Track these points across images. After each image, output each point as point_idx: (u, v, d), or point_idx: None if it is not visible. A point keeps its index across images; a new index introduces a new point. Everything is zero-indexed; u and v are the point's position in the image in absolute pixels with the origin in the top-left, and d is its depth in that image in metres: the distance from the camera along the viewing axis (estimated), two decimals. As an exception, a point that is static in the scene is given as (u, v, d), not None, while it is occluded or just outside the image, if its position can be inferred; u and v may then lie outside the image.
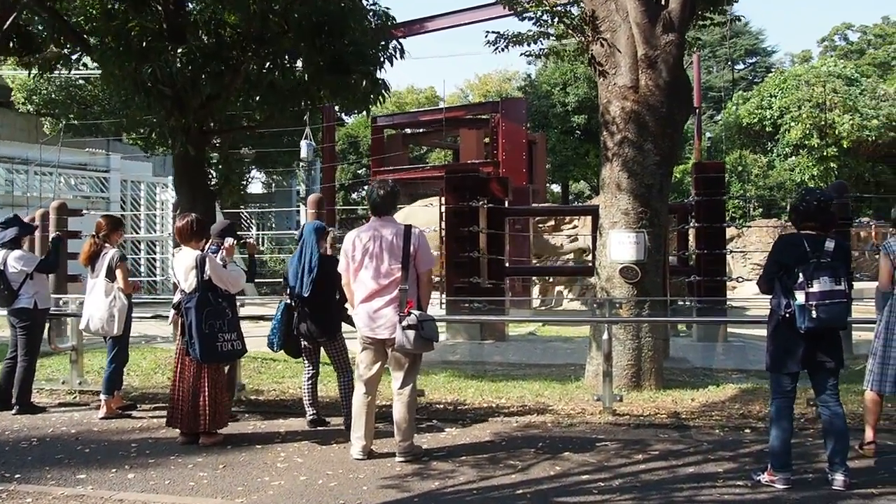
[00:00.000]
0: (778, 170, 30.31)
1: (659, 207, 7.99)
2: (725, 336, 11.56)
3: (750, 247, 23.43)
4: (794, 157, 30.01)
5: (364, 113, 9.44)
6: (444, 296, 12.50)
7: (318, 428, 6.36)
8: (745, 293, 19.23)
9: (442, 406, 7.14)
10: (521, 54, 9.30)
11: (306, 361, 6.44)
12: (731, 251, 12.92)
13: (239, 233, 6.56)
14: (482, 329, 11.98)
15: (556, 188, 38.08)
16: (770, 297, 4.99)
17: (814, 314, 4.62)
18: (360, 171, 35.23)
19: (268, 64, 7.63)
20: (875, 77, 32.99)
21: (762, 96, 31.60)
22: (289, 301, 6.24)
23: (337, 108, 26.31)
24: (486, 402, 7.39)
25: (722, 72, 47.21)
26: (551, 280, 17.25)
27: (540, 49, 9.08)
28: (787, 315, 4.77)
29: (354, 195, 37.75)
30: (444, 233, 12.30)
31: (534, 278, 17.30)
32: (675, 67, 7.83)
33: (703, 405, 7.22)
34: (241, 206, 29.80)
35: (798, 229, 4.97)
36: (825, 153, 28.73)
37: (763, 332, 11.63)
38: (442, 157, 36.05)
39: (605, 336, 6.51)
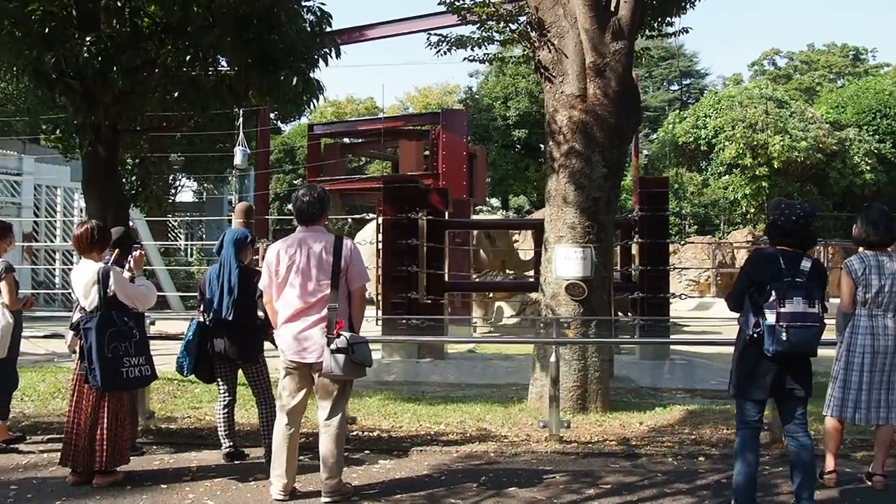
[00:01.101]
0: (713, 188, 30.66)
1: (606, 221, 7.62)
2: (669, 354, 11.29)
3: (686, 263, 23.52)
4: (727, 176, 30.40)
5: (301, 120, 8.94)
6: (380, 312, 11.95)
7: (235, 462, 5.70)
8: (682, 309, 19.20)
9: (376, 434, 6.56)
10: (465, 59, 8.80)
11: (222, 387, 5.80)
12: (674, 267, 12.69)
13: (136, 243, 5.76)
14: (420, 347, 11.44)
15: (495, 202, 37.88)
16: (738, 315, 4.60)
17: (784, 337, 4.23)
18: (296, 182, 34.35)
19: (188, 58, 6.98)
20: (802, 101, 33.75)
21: (697, 116, 31.99)
22: (202, 319, 5.60)
23: (273, 114, 25.66)
24: (424, 428, 6.85)
25: (658, 92, 47.91)
26: (491, 296, 16.81)
27: (484, 54, 8.66)
28: (756, 336, 4.37)
29: (290, 206, 36.79)
30: (381, 246, 11.75)
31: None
32: (623, 76, 7.48)
33: (652, 429, 6.84)
34: (170, 215, 28.71)
35: (774, 245, 4.58)
36: (757, 172, 29.15)
37: (707, 350, 11.53)
38: (381, 168, 35.47)
39: (552, 358, 6.04)
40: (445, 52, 8.69)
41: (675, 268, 12.59)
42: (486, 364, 11.08)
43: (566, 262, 7.46)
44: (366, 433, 6.56)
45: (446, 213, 12.08)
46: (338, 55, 7.76)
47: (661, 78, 48.23)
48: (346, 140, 27.67)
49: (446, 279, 12.18)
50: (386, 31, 21.15)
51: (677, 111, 34.87)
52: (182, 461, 5.79)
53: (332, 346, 4.53)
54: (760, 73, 48.33)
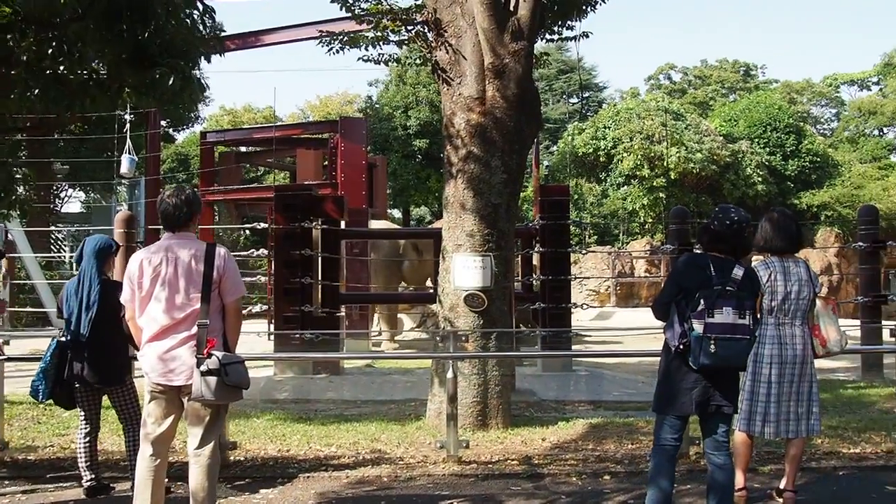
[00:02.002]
0: (612, 198, 31.20)
1: (506, 229, 7.35)
2: (571, 365, 11.13)
3: (586, 273, 23.74)
4: (626, 187, 31.01)
5: (195, 128, 8.24)
6: (272, 326, 11.35)
7: (98, 497, 5.10)
8: (584, 319, 19.27)
9: (260, 460, 6.05)
10: (359, 59, 8.38)
11: (82, 414, 5.18)
12: (575, 277, 12.59)
13: None
14: (314, 362, 10.91)
15: (396, 213, 37.49)
16: (664, 324, 4.33)
17: (712, 349, 3.98)
18: (189, 191, 33.01)
19: (50, 52, 6.30)
20: (696, 114, 34.87)
21: (597, 127, 32.54)
22: (62, 339, 4.99)
23: (164, 122, 24.51)
24: (314, 451, 6.38)
25: (558, 104, 48.66)
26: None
27: (379, 54, 8.27)
28: (682, 347, 4.11)
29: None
30: (273, 256, 11.16)
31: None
32: (523, 78, 7.24)
33: (555, 445, 6.58)
34: (53, 226, 27.06)
35: (706, 251, 4.36)
36: (654, 183, 29.83)
37: (610, 360, 11.44)
38: (281, 178, 34.53)
39: (449, 374, 5.67)
40: (337, 52, 8.29)
41: (576, 277, 12.48)
42: (384, 379, 10.65)
43: (465, 271, 7.13)
44: (249, 458, 6.04)
45: (343, 223, 11.58)
46: (221, 53, 7.23)
47: (560, 91, 49.00)
48: (243, 149, 26.75)
49: (342, 291, 11.69)
50: (283, 37, 20.43)
51: (577, 123, 35.41)
52: (37, 498, 5.15)
53: (203, 368, 4.03)
54: (656, 87, 49.75)
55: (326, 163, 23.85)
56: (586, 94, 49.87)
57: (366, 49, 8.19)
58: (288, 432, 7.04)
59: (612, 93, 50.58)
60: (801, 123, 36.12)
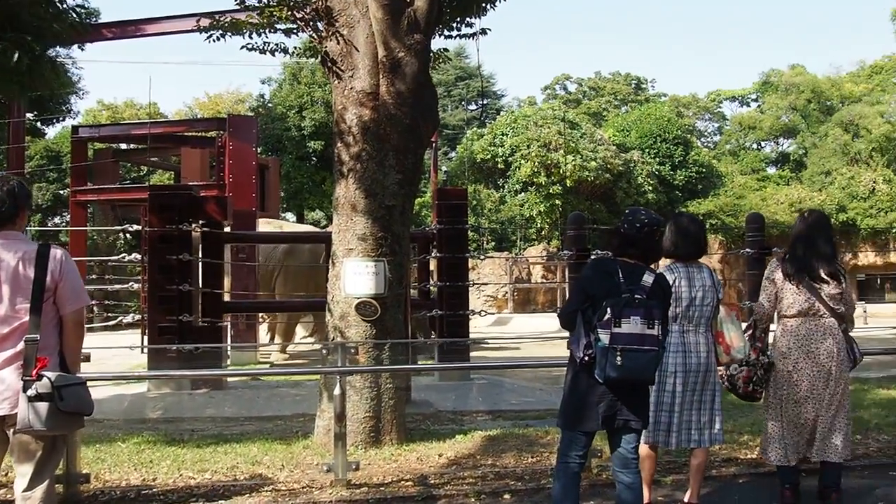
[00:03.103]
0: (509, 205, 31.25)
1: (401, 233, 6.85)
2: (469, 374, 10.72)
3: (484, 278, 23.55)
4: (523, 194, 31.12)
5: (64, 121, 7.37)
6: (146, 339, 10.49)
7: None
8: (482, 325, 19.00)
9: (119, 492, 5.32)
10: (242, 47, 7.74)
11: None
12: (474, 283, 12.23)
13: None
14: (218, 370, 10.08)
15: (291, 217, 36.43)
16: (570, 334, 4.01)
17: (618, 360, 3.67)
18: (62, 192, 30.95)
19: None
20: (590, 125, 35.47)
21: (495, 134, 32.59)
22: None
23: (31, 114, 22.76)
24: (185, 479, 5.69)
25: (456, 111, 48.65)
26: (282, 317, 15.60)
27: (264, 43, 7.63)
28: (587, 359, 3.80)
29: (57, 219, 33.13)
30: (146, 261, 10.30)
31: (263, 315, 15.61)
32: (420, 73, 6.77)
33: (452, 462, 6.13)
34: None
35: (615, 256, 4.05)
36: (551, 190, 30.05)
37: (506, 369, 11.10)
38: (166, 178, 32.94)
39: (336, 391, 5.10)
40: (218, 39, 7.62)
41: (474, 283, 12.12)
42: (271, 393, 9.95)
43: (356, 277, 6.60)
44: (106, 491, 5.30)
45: (225, 226, 10.81)
46: (84, 29, 6.45)
47: (459, 97, 49.04)
48: (122, 146, 25.27)
49: (226, 299, 10.93)
50: (165, 27, 19.04)
51: (476, 129, 35.39)
52: None
53: (31, 392, 3.35)
54: (553, 97, 50.49)
55: (214, 163, 22.81)
56: (485, 102, 50.12)
57: (249, 37, 7.55)
58: (156, 458, 6.31)
59: (511, 100, 51.10)
60: (689, 135, 37.35)
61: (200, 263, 10.20)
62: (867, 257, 33.03)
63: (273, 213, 22.52)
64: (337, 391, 5.05)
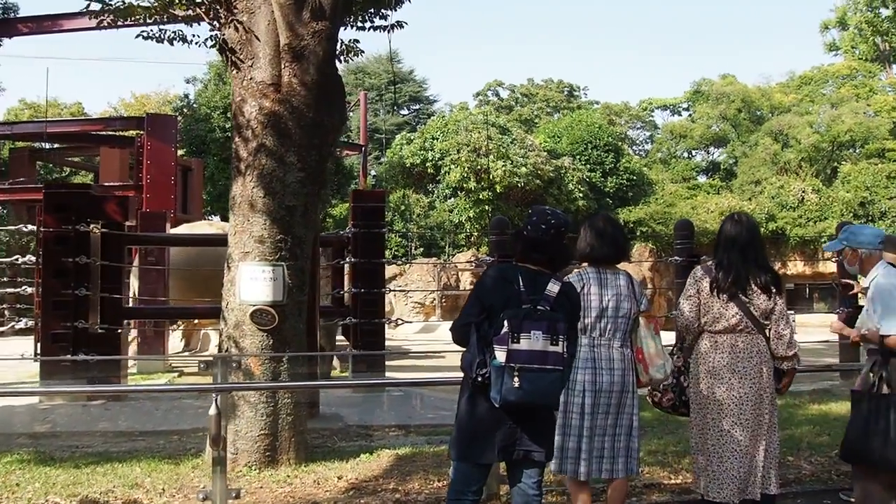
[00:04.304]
0: (438, 210, 30.94)
1: (303, 235, 6.39)
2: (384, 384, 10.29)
3: (412, 285, 23.14)
4: (453, 199, 30.86)
5: None
6: (38, 345, 9.79)
7: None
8: (409, 332, 18.56)
9: (-33, 523, 4.75)
10: (137, 36, 7.16)
11: None
12: (391, 290, 11.80)
13: None
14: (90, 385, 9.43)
15: (216, 219, 35.41)
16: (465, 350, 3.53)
17: (515, 382, 3.23)
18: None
19: None
20: (521, 131, 35.46)
21: (425, 138, 32.25)
22: None
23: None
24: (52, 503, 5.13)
25: (388, 115, 48.18)
26: (196, 323, 14.90)
27: (160, 30, 7.09)
28: (480, 379, 3.35)
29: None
30: (41, 264, 9.61)
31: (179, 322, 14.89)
32: (324, 63, 6.33)
33: (352, 486, 5.67)
34: None
35: (519, 262, 3.60)
36: (481, 196, 29.86)
37: (427, 375, 10.67)
38: (89, 179, 31.64)
39: (211, 410, 4.58)
40: (108, 24, 7.06)
41: (391, 290, 11.70)
42: (171, 405, 9.33)
43: (252, 283, 6.10)
44: (-48, 523, 4.72)
45: (127, 226, 10.17)
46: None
47: (390, 102, 48.58)
48: (39, 145, 24.20)
49: (128, 304, 10.28)
50: (86, 23, 18.29)
51: (405, 133, 35.00)
52: None
53: None
54: (485, 103, 50.42)
55: (133, 163, 21.99)
56: (417, 106, 49.80)
57: (143, 23, 7.01)
58: (26, 480, 5.71)
59: (443, 106, 50.80)
60: (620, 143, 37.68)
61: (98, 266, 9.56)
62: (796, 267, 33.57)
63: (196, 216, 21.75)
64: (212, 411, 4.51)
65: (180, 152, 26.44)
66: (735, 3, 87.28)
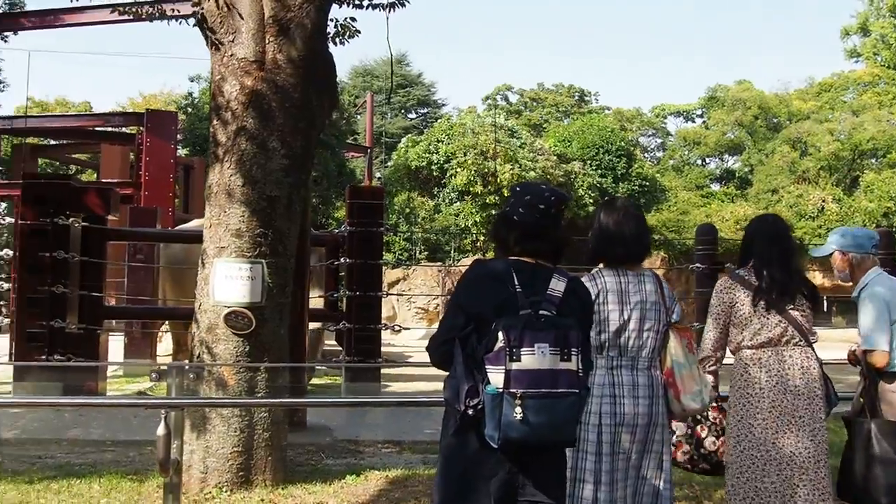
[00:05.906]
0: (444, 214, 30.30)
1: (286, 229, 5.75)
2: (379, 394, 9.63)
3: (416, 289, 22.49)
4: (459, 203, 30.21)
5: None
6: (13, 345, 9.21)
7: None
8: (411, 339, 17.90)
9: None
10: (112, 10, 6.61)
11: None
12: (388, 293, 11.16)
13: None
14: (65, 390, 8.83)
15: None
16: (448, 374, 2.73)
17: (518, 414, 2.46)
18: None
19: None
20: (530, 135, 34.81)
21: (430, 141, 31.66)
22: None
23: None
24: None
25: (395, 118, 47.66)
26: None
27: (135, 3, 6.51)
28: (471, 413, 2.57)
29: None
30: (17, 259, 9.03)
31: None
32: (313, 38, 5.73)
33: (333, 515, 5.04)
34: None
35: (506, 254, 2.81)
36: (487, 200, 29.20)
37: (424, 386, 10.03)
38: (94, 177, 31.22)
39: (160, 429, 3.91)
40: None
41: (388, 293, 11.07)
42: (151, 412, 8.68)
43: (227, 282, 5.47)
44: None
45: (108, 220, 9.58)
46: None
47: (399, 105, 48.08)
48: (43, 141, 23.89)
49: (108, 303, 9.68)
50: (88, 17, 17.75)
51: (411, 135, 34.43)
52: None
53: None
54: (494, 107, 49.82)
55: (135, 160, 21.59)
56: (425, 110, 49.30)
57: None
58: (-28, 497, 5.11)
59: (451, 109, 50.23)
60: (632, 148, 36.98)
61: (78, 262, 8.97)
62: (815, 278, 32.45)
63: (198, 214, 21.32)
64: (161, 430, 3.87)
65: (184, 151, 26.00)
66: (752, 8, 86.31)
